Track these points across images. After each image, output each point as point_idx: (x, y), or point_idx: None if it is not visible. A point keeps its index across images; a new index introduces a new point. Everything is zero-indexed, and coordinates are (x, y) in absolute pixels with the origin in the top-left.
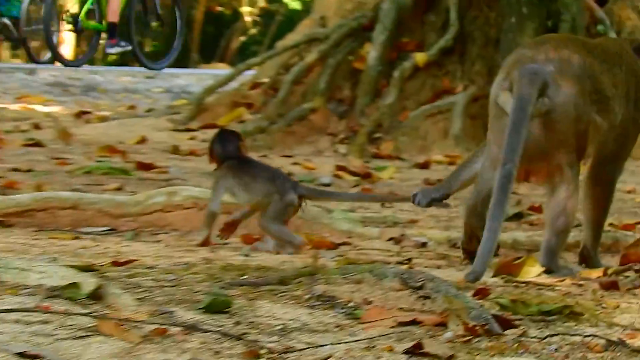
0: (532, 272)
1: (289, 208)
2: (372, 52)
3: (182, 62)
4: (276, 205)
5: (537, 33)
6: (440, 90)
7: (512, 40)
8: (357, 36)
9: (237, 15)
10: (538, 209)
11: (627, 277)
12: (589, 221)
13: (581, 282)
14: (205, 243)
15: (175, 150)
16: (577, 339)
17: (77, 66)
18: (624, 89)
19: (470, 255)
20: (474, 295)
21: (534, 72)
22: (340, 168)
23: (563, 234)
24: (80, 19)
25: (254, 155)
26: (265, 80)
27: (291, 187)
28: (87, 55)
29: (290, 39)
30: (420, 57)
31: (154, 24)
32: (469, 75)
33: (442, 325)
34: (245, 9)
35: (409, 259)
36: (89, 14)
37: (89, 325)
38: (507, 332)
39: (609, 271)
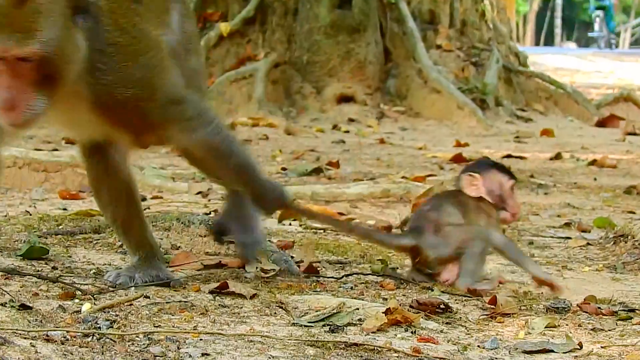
0: None
1: None
2: None
3: None
4: None
5: (333, 4)
6: (243, 58)
7: (309, 10)
8: None
9: None
10: (335, 164)
11: None
12: None
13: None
14: None
15: None
16: (371, 278)
17: None
18: None
19: None
20: (281, 248)
21: None
22: None
23: None
24: None
25: None
26: None
27: None
28: None
29: None
30: (224, 27)
31: None
32: (270, 43)
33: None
34: None
35: (215, 210)
36: None
37: None
38: (307, 273)
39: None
